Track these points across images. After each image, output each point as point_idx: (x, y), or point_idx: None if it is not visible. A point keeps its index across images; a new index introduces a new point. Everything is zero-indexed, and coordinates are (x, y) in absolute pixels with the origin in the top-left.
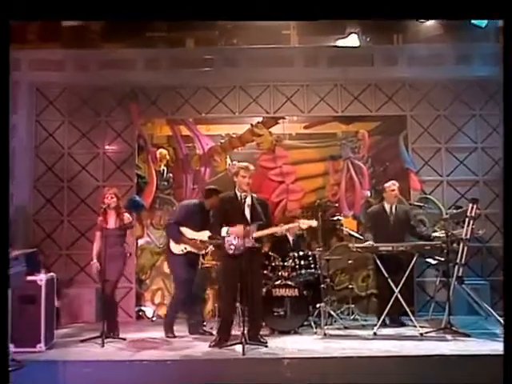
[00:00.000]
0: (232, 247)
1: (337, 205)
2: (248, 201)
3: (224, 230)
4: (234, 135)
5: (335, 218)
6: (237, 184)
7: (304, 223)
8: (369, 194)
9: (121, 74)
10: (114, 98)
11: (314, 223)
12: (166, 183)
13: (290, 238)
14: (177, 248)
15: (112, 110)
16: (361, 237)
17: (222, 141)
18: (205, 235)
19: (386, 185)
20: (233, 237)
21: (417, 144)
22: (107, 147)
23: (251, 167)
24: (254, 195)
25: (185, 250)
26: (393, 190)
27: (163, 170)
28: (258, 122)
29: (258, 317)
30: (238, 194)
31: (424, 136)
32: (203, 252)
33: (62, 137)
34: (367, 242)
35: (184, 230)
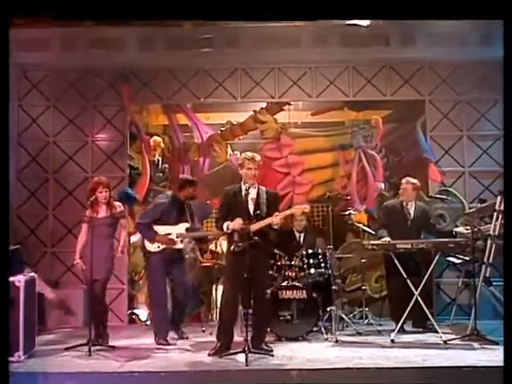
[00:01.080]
0: (233, 244)
1: (349, 197)
2: (253, 194)
3: (225, 226)
4: (236, 123)
5: (347, 213)
6: (243, 177)
7: (296, 208)
8: (383, 187)
9: (112, 54)
10: (104, 80)
11: (306, 208)
12: (161, 174)
13: (297, 235)
14: (151, 246)
15: (102, 94)
16: (374, 233)
17: (223, 129)
18: (182, 228)
19: (402, 181)
20: (235, 233)
21: (436, 131)
22: (96, 135)
23: (258, 157)
24: (263, 187)
25: (161, 247)
26: (408, 187)
27: (158, 160)
28: (262, 108)
29: (263, 322)
30: (243, 187)
31: (444, 123)
32: (178, 246)
33: (47, 123)
34: (383, 239)
35: (157, 227)
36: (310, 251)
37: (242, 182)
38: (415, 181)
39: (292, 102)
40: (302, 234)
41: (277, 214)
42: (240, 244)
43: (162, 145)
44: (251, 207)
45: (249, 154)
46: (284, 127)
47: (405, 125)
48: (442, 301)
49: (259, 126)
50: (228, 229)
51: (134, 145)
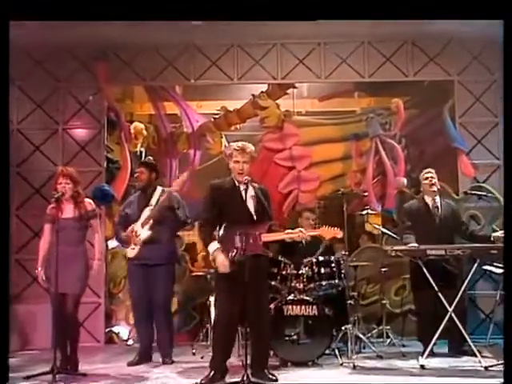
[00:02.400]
0: (234, 251)
1: (366, 194)
2: (251, 192)
3: (212, 246)
4: (232, 109)
5: (364, 213)
6: (232, 171)
7: (327, 232)
8: (405, 182)
9: (87, 27)
10: (78, 58)
11: (339, 234)
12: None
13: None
14: (129, 251)
15: (74, 74)
16: (395, 236)
17: (216, 116)
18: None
19: (423, 173)
20: (238, 238)
21: (466, 117)
22: (68, 122)
23: (249, 148)
24: (255, 184)
25: (135, 249)
26: (429, 180)
27: (141, 151)
28: (262, 92)
29: (265, 343)
30: (237, 183)
31: (476, 107)
32: (143, 236)
33: (10, 108)
34: (410, 244)
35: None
36: (320, 258)
37: (234, 177)
38: (434, 175)
39: (297, 85)
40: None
41: (301, 229)
42: (242, 253)
43: (145, 132)
44: (251, 208)
45: (239, 143)
46: (288, 114)
47: (429, 110)
48: (476, 317)
49: (259, 112)
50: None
51: (113, 135)
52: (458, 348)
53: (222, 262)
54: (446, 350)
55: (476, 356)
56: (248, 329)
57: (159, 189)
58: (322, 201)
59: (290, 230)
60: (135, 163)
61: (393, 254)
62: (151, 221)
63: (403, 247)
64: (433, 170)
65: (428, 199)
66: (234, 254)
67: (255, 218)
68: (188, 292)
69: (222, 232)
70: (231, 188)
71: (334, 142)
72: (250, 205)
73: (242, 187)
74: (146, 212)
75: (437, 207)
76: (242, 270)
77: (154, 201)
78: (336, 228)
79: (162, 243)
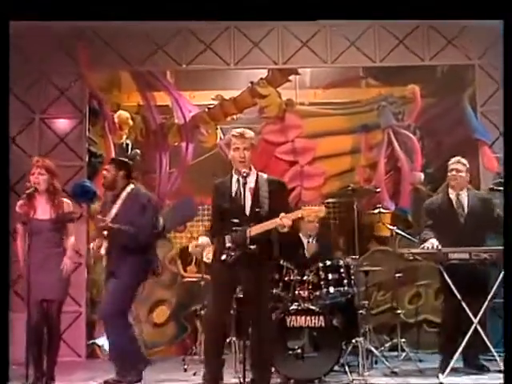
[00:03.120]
0: (225, 252)
1: (379, 190)
2: (250, 183)
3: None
4: (228, 98)
5: (376, 211)
6: (232, 161)
7: (308, 210)
8: (422, 178)
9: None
10: (56, 40)
11: (321, 211)
12: (130, 162)
13: (305, 240)
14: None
15: (53, 57)
16: (414, 239)
17: (211, 106)
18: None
19: (451, 162)
20: (227, 238)
21: (488, 106)
22: (46, 111)
23: (249, 134)
24: (264, 175)
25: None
26: (456, 171)
27: (127, 144)
28: (262, 78)
29: (266, 359)
30: (235, 177)
31: (499, 95)
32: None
33: None
34: (429, 243)
35: None
36: (327, 263)
37: (233, 170)
38: (466, 162)
39: (300, 71)
40: (314, 241)
41: (283, 214)
42: (232, 253)
43: (130, 122)
44: (247, 203)
45: (237, 129)
46: (290, 103)
47: (446, 99)
48: (498, 328)
49: (258, 101)
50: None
51: (96, 126)
52: (473, 362)
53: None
54: (460, 364)
55: (501, 372)
56: (247, 342)
57: (129, 188)
58: (328, 199)
59: (272, 220)
60: (120, 156)
61: (410, 257)
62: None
63: (422, 250)
64: (464, 160)
65: (453, 195)
66: (225, 256)
67: (248, 212)
68: (179, 300)
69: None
70: (226, 184)
71: (341, 133)
72: (247, 199)
73: (235, 178)
74: (110, 214)
75: (462, 204)
76: (234, 274)
77: (119, 202)
78: (318, 206)
79: (128, 252)
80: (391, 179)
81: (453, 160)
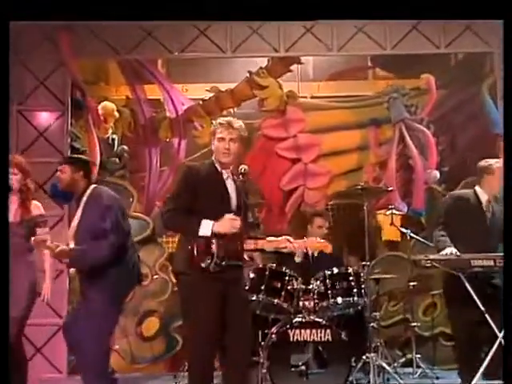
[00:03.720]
0: (209, 258)
1: (391, 188)
2: (229, 179)
3: (206, 225)
4: (224, 89)
5: (387, 213)
6: (214, 152)
7: (314, 244)
8: (437, 176)
9: None
10: (37, 27)
11: (327, 248)
12: (116, 160)
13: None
14: None
15: (33, 45)
16: (430, 243)
17: (206, 98)
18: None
19: (486, 163)
20: (215, 241)
21: None
22: (24, 103)
23: (237, 123)
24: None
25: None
26: (496, 170)
27: (113, 139)
28: (261, 68)
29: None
30: (217, 164)
31: None
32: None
33: None
34: (447, 251)
35: None
36: (335, 270)
37: (213, 157)
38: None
39: (303, 60)
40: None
41: (288, 238)
42: (222, 263)
43: (116, 114)
44: (233, 199)
45: (225, 118)
46: (291, 95)
47: (463, 90)
48: None
49: (257, 93)
50: (213, 231)
51: (80, 119)
52: (494, 373)
53: (227, 220)
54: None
55: None
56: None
57: (89, 190)
58: (335, 199)
59: (273, 238)
60: (106, 153)
61: (427, 264)
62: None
63: (442, 256)
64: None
65: (482, 194)
66: (209, 261)
67: (236, 210)
68: (171, 311)
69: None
70: (211, 173)
71: (348, 128)
72: (232, 195)
73: (218, 166)
74: (74, 222)
75: (491, 204)
76: (219, 286)
77: (80, 209)
78: (323, 240)
79: (99, 272)
80: (403, 178)
81: (492, 161)
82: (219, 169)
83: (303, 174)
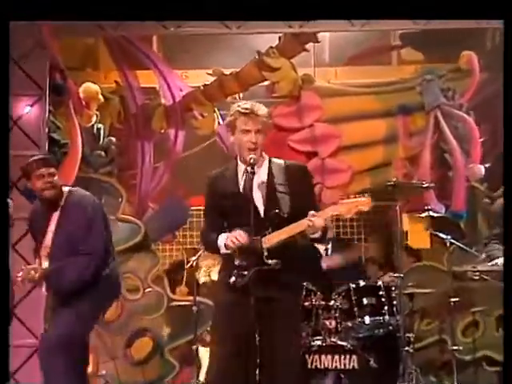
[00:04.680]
0: (234, 273)
1: (427, 184)
2: (262, 175)
3: (219, 241)
4: (229, 72)
5: (423, 215)
6: (236, 149)
7: (349, 204)
8: (482, 172)
9: None
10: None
11: (366, 204)
12: (102, 154)
13: (322, 250)
14: None
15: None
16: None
17: (207, 82)
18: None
19: None
20: (235, 253)
21: None
22: None
23: (262, 110)
24: (278, 160)
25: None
26: None
27: (98, 128)
28: (271, 47)
29: None
30: (241, 166)
31: None
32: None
33: None
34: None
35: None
36: (361, 283)
37: (238, 158)
38: None
39: (319, 38)
40: (336, 252)
41: (313, 212)
42: (244, 273)
43: (101, 97)
44: (259, 202)
45: (246, 103)
46: (307, 78)
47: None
48: None
49: (267, 75)
50: (225, 247)
51: (61, 107)
52: None
53: (237, 234)
54: None
55: None
56: None
57: (65, 194)
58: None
59: (298, 223)
60: (89, 145)
61: (475, 277)
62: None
63: (493, 267)
64: None
65: None
66: (234, 278)
67: (263, 214)
68: (166, 329)
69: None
70: (231, 176)
71: (373, 117)
72: (259, 195)
73: (242, 168)
74: (47, 236)
75: None
76: (247, 304)
77: (54, 219)
78: (361, 197)
79: (76, 291)
80: (439, 175)
81: None
82: (241, 169)
83: (320, 170)
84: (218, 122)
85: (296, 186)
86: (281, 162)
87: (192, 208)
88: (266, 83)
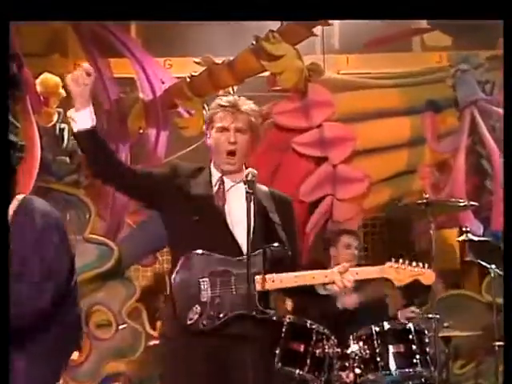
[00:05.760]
0: (197, 311)
1: (466, 203)
2: (238, 192)
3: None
4: (221, 61)
5: (460, 239)
6: (211, 152)
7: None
8: None
9: None
10: None
11: (427, 280)
12: (67, 160)
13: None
14: None
15: None
16: None
17: (195, 73)
18: None
19: None
20: (206, 284)
21: None
22: None
23: (245, 105)
24: (261, 186)
25: None
26: None
27: (61, 129)
28: (272, 31)
29: None
30: (215, 174)
31: None
32: None
33: None
34: None
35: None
36: (386, 325)
37: (211, 163)
38: None
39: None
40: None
41: (346, 265)
42: (220, 315)
43: (62, 92)
44: (238, 231)
45: (227, 97)
46: (315, 69)
47: None
48: None
49: (266, 65)
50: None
51: (18, 104)
52: None
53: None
54: None
55: None
56: None
57: (14, 203)
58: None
59: (318, 271)
60: (51, 148)
61: None
62: None
63: None
64: None
65: None
66: (197, 315)
67: (244, 248)
68: (143, 374)
69: (176, 268)
70: (204, 186)
71: (395, 115)
72: (235, 216)
73: (216, 177)
74: None
75: None
76: (215, 351)
77: None
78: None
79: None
80: (475, 185)
81: None
82: (215, 176)
83: (331, 179)
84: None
85: (275, 211)
86: (263, 187)
87: None
88: (266, 74)
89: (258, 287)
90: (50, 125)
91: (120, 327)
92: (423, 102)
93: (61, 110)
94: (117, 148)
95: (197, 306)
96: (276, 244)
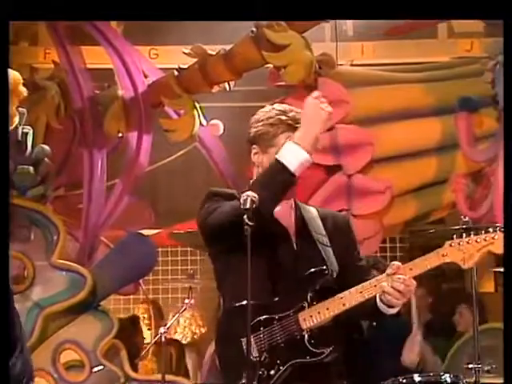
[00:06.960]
0: (249, 374)
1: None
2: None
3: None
4: (215, 52)
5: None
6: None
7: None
8: None
9: None
10: None
11: (497, 248)
12: (30, 169)
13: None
14: None
15: None
16: None
17: (184, 66)
18: None
19: None
20: (266, 332)
21: None
22: None
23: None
24: (312, 208)
25: None
26: None
27: (24, 132)
28: None
29: None
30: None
31: None
32: None
33: None
34: None
35: None
36: (417, 378)
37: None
38: None
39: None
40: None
41: (397, 264)
42: (271, 373)
43: (23, 90)
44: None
45: (281, 105)
46: (326, 60)
47: None
48: None
49: (269, 57)
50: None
51: None
52: None
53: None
54: None
55: None
56: None
57: None
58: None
59: (364, 283)
60: (12, 155)
61: None
62: None
63: None
64: None
65: None
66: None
67: (305, 274)
68: None
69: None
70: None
71: (422, 116)
72: (291, 241)
73: (287, 208)
74: None
75: None
76: None
77: None
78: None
79: None
80: None
81: None
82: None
83: (346, 191)
84: (200, 123)
85: (337, 238)
86: (312, 208)
87: (161, 246)
88: (269, 67)
89: (304, 326)
90: (11, 128)
91: (94, 369)
92: (455, 99)
93: (24, 110)
94: (90, 154)
95: (245, 370)
96: (313, 269)
